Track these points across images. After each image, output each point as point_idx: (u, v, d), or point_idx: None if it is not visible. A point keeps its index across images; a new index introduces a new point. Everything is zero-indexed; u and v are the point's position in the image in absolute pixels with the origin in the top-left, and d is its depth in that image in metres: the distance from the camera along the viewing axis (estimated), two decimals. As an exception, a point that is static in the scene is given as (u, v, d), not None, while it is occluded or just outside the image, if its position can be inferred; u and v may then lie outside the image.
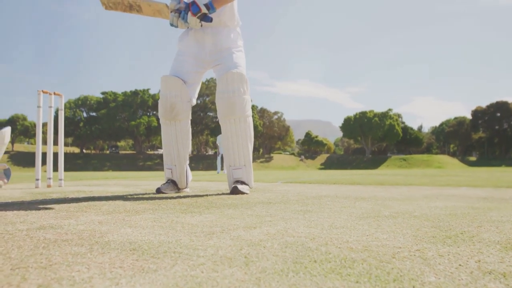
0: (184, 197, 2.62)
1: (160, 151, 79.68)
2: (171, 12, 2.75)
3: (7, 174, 3.86)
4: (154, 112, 68.54)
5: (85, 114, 67.28)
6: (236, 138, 2.92)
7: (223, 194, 2.90)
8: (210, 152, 72.74)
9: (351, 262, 0.88)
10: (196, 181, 5.35)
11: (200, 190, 3.41)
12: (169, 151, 3.06)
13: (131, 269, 0.81)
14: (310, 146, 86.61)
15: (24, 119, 69.42)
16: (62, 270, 0.80)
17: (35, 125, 73.12)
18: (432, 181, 4.96)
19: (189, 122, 3.08)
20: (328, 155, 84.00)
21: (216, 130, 61.32)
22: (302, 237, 1.16)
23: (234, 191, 2.82)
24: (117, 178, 7.18)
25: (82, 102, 66.17)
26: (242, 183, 2.94)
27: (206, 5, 2.72)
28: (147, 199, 2.49)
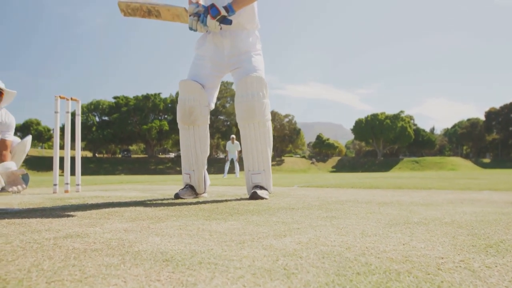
0: (204, 202, 2.60)
1: (171, 155, 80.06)
2: (189, 16, 2.73)
3: (25, 179, 3.87)
4: (166, 116, 68.93)
5: (97, 119, 67.93)
6: (255, 142, 2.89)
7: (241, 199, 2.87)
8: (221, 156, 72.83)
9: (396, 274, 0.84)
10: (212, 186, 5.33)
11: (218, 195, 3.38)
12: (187, 156, 3.04)
13: (169, 282, 0.79)
14: (322, 149, 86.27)
15: (38, 123, 70.32)
16: (98, 284, 0.78)
17: (48, 130, 73.87)
18: (451, 184, 4.87)
19: (207, 126, 3.06)
20: (339, 157, 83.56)
21: (227, 133, 61.43)
22: (337, 246, 1.12)
23: (253, 196, 2.79)
24: (132, 183, 7.20)
25: (94, 107, 66.85)
26: (261, 188, 2.91)
27: (225, 8, 2.70)
28: (167, 205, 2.47)
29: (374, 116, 76.41)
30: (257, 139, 2.89)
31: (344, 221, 1.66)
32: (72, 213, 2.04)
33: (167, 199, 2.98)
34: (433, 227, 1.47)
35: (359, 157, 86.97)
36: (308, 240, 1.22)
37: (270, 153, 2.97)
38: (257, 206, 2.32)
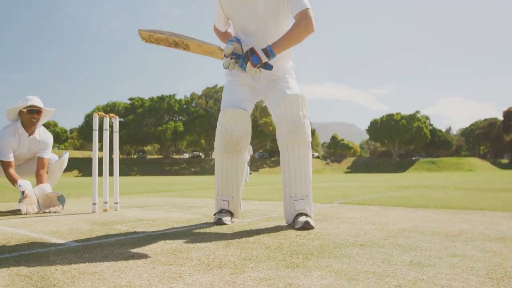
0: (261, 233, 2.49)
1: (185, 156, 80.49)
2: (226, 57, 2.57)
3: (61, 200, 3.84)
4: (180, 117, 69.30)
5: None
6: (299, 165, 2.74)
7: (293, 228, 2.77)
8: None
9: None
10: (247, 200, 5.22)
11: (264, 217, 3.28)
12: (226, 184, 2.92)
13: None
14: (336, 149, 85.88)
15: (55, 125, 71.36)
16: None
17: (65, 131, 74.72)
18: (502, 202, 4.68)
19: (246, 152, 3.00)
20: (354, 158, 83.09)
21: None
22: (470, 326, 1.00)
23: (305, 226, 2.63)
24: (160, 192, 7.14)
25: (110, 108, 67.61)
26: (306, 215, 2.76)
27: (265, 51, 2.53)
28: (223, 236, 2.38)
29: (390, 117, 75.82)
30: (300, 162, 2.75)
31: (437, 271, 1.53)
32: (134, 250, 1.95)
33: (213, 223, 2.89)
34: (547, 286, 1.34)
35: (374, 158, 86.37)
36: (429, 313, 1.10)
37: (311, 175, 2.84)
38: (320, 240, 2.20)
